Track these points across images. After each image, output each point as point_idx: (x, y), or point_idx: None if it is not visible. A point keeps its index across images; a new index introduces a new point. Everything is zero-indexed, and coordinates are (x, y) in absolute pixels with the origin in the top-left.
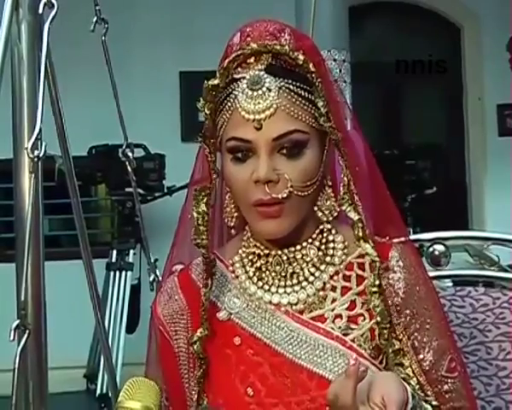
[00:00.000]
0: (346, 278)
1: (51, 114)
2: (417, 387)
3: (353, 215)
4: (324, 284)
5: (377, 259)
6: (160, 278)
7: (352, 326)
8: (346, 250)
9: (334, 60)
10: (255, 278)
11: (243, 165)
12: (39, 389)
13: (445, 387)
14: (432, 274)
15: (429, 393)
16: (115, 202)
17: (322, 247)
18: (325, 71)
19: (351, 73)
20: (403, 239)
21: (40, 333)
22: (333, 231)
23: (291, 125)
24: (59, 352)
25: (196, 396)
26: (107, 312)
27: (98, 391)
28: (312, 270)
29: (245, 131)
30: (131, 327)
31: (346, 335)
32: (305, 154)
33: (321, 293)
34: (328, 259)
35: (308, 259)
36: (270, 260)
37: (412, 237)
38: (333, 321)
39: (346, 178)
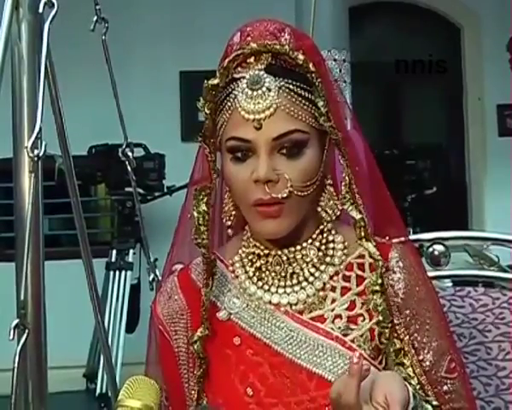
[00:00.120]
0: (346, 279)
1: (51, 114)
2: (418, 387)
3: (355, 214)
4: (324, 284)
5: (380, 258)
6: (160, 278)
7: (352, 327)
8: (345, 251)
9: (334, 60)
10: (255, 278)
11: (243, 165)
12: (39, 389)
13: (445, 388)
14: (431, 274)
15: (430, 393)
16: (115, 201)
17: (322, 247)
18: (325, 71)
19: (351, 73)
20: (402, 239)
21: (40, 332)
22: (333, 232)
23: (291, 124)
24: (58, 351)
25: (196, 396)
26: (107, 311)
27: (98, 391)
28: (312, 270)
29: (245, 131)
30: (131, 327)
31: (345, 335)
32: (305, 154)
33: (321, 293)
34: (327, 259)
35: (308, 259)
36: (270, 260)
37: (412, 237)
38: (332, 321)
39: (347, 178)
